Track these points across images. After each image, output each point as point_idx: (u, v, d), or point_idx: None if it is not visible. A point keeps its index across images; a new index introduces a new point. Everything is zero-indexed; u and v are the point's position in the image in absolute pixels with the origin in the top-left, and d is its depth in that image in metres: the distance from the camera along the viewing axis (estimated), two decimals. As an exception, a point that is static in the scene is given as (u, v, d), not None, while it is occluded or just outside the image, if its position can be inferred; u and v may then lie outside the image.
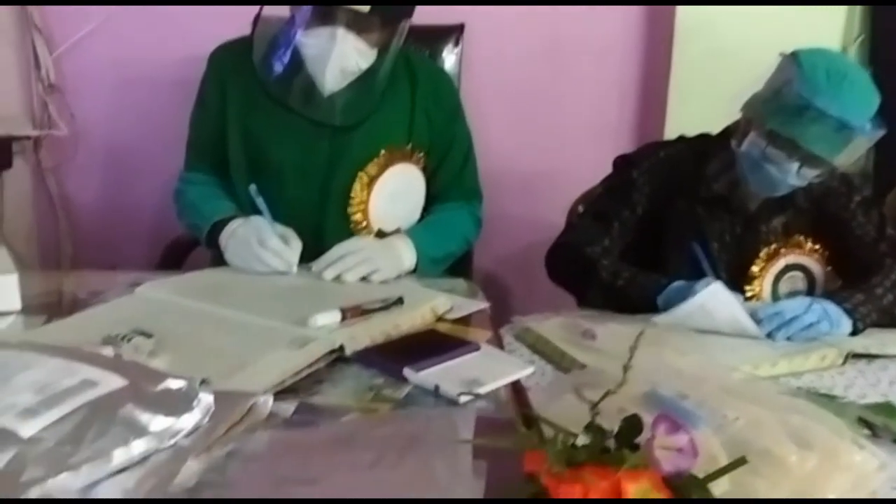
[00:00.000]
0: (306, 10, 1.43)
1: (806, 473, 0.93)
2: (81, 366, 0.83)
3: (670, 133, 2.16)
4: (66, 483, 0.68)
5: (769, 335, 1.38)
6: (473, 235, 1.72)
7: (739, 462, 0.78)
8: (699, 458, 0.81)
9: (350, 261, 1.40)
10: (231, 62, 1.59)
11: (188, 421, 0.79)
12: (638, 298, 1.49)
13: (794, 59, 1.43)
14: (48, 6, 2.15)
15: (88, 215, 2.29)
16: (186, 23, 2.14)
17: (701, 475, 0.79)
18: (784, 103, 1.40)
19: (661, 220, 1.59)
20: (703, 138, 1.64)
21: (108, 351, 1.00)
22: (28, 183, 2.22)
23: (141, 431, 0.75)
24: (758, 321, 1.39)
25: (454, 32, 2.08)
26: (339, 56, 1.44)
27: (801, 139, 1.39)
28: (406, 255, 1.51)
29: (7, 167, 2.08)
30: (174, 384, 0.84)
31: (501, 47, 2.24)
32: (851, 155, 1.43)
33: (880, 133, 1.41)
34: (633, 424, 0.84)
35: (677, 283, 1.46)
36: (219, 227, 1.49)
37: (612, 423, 0.95)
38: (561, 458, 0.71)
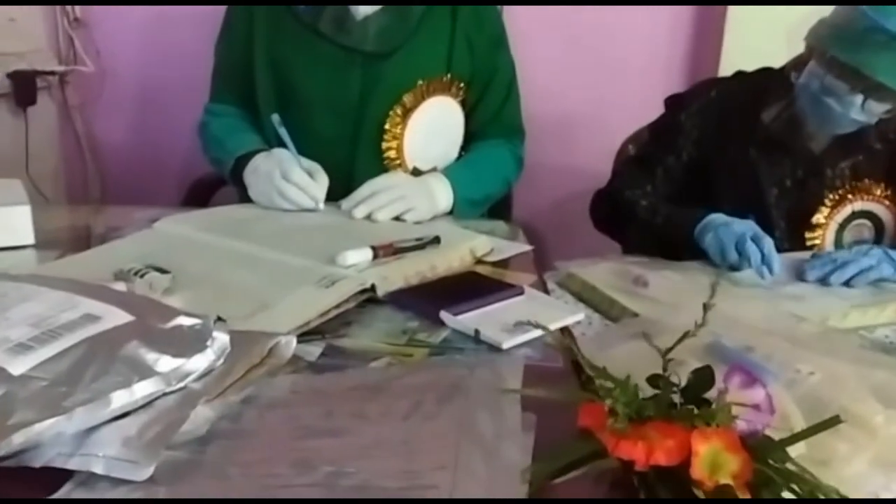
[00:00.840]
0: None
1: (893, 435, 0.82)
2: (84, 299, 0.75)
3: (725, 69, 2.01)
4: (57, 427, 0.60)
5: (822, 280, 1.26)
6: (514, 176, 1.62)
7: (832, 421, 0.67)
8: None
9: (382, 198, 1.30)
10: None
11: (200, 362, 0.71)
12: (677, 235, 1.37)
13: None
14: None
15: (115, 154, 2.23)
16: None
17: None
18: (849, 26, 1.25)
19: (711, 167, 1.47)
20: (765, 73, 1.49)
21: (120, 286, 0.92)
22: (54, 120, 2.15)
23: (146, 372, 0.67)
24: (811, 268, 1.28)
25: (497, -39, 1.94)
26: None
27: (866, 66, 1.24)
28: (442, 195, 1.41)
29: (31, 103, 2.01)
30: (187, 321, 0.75)
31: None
32: None
33: None
34: (703, 377, 0.74)
35: (713, 217, 1.33)
36: (243, 161, 1.40)
37: (689, 373, 0.85)
38: (626, 412, 0.61)
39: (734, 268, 1.28)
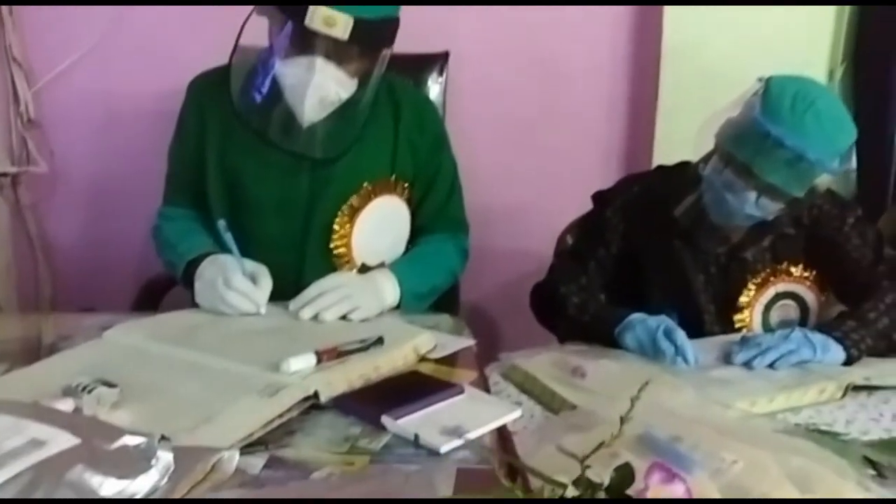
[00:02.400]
0: (284, 38, 1.38)
1: (809, 521, 0.88)
2: (30, 423, 0.77)
3: (659, 156, 2.13)
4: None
5: (747, 364, 1.33)
6: (459, 268, 1.68)
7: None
8: (695, 508, 0.76)
9: (329, 298, 1.34)
10: (210, 92, 1.54)
11: (144, 483, 0.73)
12: (602, 334, 1.44)
13: (765, 84, 1.39)
14: (27, 40, 2.12)
15: (68, 253, 2.24)
16: (167, 56, 2.10)
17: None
18: (745, 128, 1.36)
19: (639, 257, 1.55)
20: (681, 167, 1.59)
21: (68, 403, 0.95)
22: (6, 221, 2.17)
23: (90, 496, 0.69)
24: (737, 352, 1.35)
25: (438, 60, 2.04)
26: (318, 86, 1.40)
27: (756, 166, 1.35)
28: (388, 290, 1.46)
29: (-16, 204, 2.04)
30: (132, 441, 0.78)
31: (486, 75, 2.20)
32: (812, 186, 1.39)
33: (846, 167, 1.38)
34: (624, 475, 0.79)
35: (632, 317, 1.41)
36: (193, 265, 1.44)
37: (604, 468, 0.89)
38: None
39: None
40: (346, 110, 1.47)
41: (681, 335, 1.34)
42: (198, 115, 1.56)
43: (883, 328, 1.42)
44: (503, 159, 2.27)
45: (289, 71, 1.41)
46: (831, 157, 1.37)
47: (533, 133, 2.27)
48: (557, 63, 2.23)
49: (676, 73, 2.13)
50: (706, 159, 1.46)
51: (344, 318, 1.35)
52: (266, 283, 1.37)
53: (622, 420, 0.84)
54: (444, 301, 1.68)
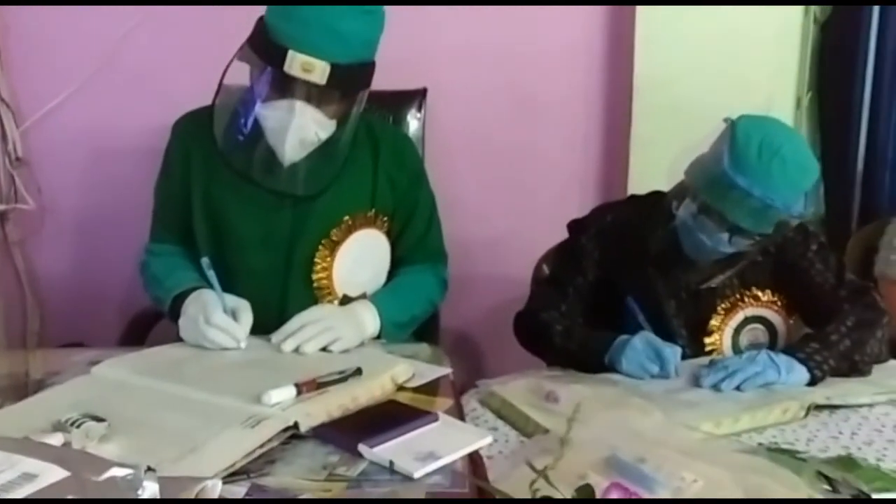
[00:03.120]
0: (264, 83, 1.44)
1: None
2: (22, 458, 0.81)
3: (633, 185, 2.19)
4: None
5: (715, 387, 1.39)
6: (439, 298, 1.72)
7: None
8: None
9: (310, 331, 1.39)
10: (194, 131, 1.59)
11: (130, 512, 0.77)
12: (591, 361, 1.50)
13: (731, 130, 1.45)
14: (15, 80, 2.17)
15: (55, 289, 2.28)
16: (152, 94, 2.16)
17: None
18: (714, 177, 1.43)
19: (616, 283, 1.61)
20: (653, 197, 1.66)
21: (58, 438, 0.99)
22: (-6, 257, 2.21)
23: (80, 527, 0.74)
24: (705, 375, 1.41)
25: (417, 97, 2.11)
26: (298, 128, 1.45)
27: (729, 214, 1.43)
28: (369, 321, 1.51)
29: (-28, 242, 2.07)
30: (119, 472, 0.82)
31: (464, 110, 2.27)
32: (782, 225, 1.46)
33: (811, 211, 1.45)
34: (585, 494, 0.84)
35: (619, 339, 1.48)
36: (179, 300, 1.48)
37: (572, 487, 0.95)
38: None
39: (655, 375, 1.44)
40: (325, 149, 1.52)
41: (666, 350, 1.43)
42: (182, 155, 1.61)
43: (844, 350, 1.48)
44: (482, 191, 2.34)
45: (269, 113, 1.46)
46: (798, 200, 1.44)
47: (511, 165, 2.34)
48: (534, 97, 2.31)
49: (648, 106, 2.21)
50: (677, 195, 1.53)
51: (325, 349, 1.39)
52: (246, 319, 1.41)
53: (562, 441, 0.90)
54: (425, 330, 1.73)
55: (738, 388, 1.39)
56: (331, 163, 1.53)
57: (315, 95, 1.43)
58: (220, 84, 1.50)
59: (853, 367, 1.49)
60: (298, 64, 1.37)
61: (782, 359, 1.43)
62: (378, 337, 1.53)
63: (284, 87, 1.42)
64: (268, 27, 1.42)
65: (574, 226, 1.71)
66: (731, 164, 1.40)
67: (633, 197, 1.73)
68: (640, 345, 1.46)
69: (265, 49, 1.41)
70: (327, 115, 1.48)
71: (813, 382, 1.43)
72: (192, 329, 1.40)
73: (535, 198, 2.35)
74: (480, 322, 2.38)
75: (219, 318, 1.38)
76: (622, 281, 1.60)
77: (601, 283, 1.63)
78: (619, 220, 1.64)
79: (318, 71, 1.38)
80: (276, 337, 1.40)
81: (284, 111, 1.44)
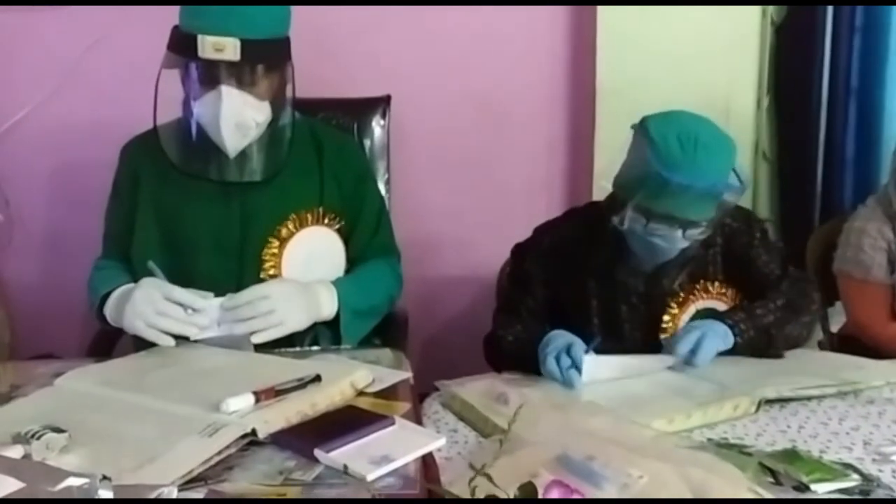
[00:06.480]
0: (191, 81, 1.50)
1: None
2: (-23, 471, 0.83)
3: (598, 189, 2.22)
4: None
5: (688, 362, 1.47)
6: (396, 291, 1.76)
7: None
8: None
9: (247, 311, 1.44)
10: (142, 151, 1.65)
11: (85, 521, 0.80)
12: (530, 354, 1.52)
13: (644, 133, 1.48)
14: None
15: (24, 299, 2.28)
16: (119, 107, 2.16)
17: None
18: (648, 181, 1.44)
19: (565, 301, 1.65)
20: (591, 209, 1.70)
21: (17, 450, 1.00)
22: (-38, 269, 2.21)
23: (34, 536, 0.76)
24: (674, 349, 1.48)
25: (381, 104, 2.12)
26: (230, 112, 1.48)
27: (677, 211, 1.46)
28: (326, 301, 1.55)
29: (-60, 255, 2.07)
30: (75, 482, 0.84)
31: (428, 116, 2.30)
32: (727, 204, 1.51)
33: (744, 187, 1.49)
34: (528, 492, 0.87)
35: (552, 333, 1.52)
36: (108, 297, 1.53)
37: (516, 489, 0.98)
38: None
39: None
40: (267, 135, 1.57)
41: (580, 352, 1.45)
42: (131, 176, 1.66)
43: (766, 324, 1.55)
44: (449, 196, 2.36)
45: (202, 109, 1.51)
46: (730, 176, 1.48)
47: (476, 170, 2.37)
48: (498, 102, 2.34)
49: (611, 110, 2.24)
50: (613, 208, 1.53)
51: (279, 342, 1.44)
52: (207, 294, 1.46)
53: (501, 441, 0.93)
54: (393, 334, 1.75)
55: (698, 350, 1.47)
56: (274, 148, 1.58)
57: (235, 75, 1.48)
58: (155, 102, 1.53)
59: (770, 343, 1.56)
60: (210, 45, 1.44)
61: (716, 325, 1.51)
62: (336, 324, 1.57)
63: (205, 75, 1.48)
64: (179, 26, 1.49)
65: (517, 250, 1.74)
66: (659, 164, 1.42)
67: (572, 211, 1.78)
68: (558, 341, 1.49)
69: (178, 44, 1.48)
70: (257, 97, 1.52)
71: (734, 348, 1.51)
72: (147, 307, 1.42)
73: (501, 201, 2.38)
74: (449, 322, 2.41)
75: (180, 292, 1.43)
76: (570, 298, 1.64)
77: (552, 302, 1.66)
78: (557, 240, 1.67)
79: (229, 48, 1.44)
80: (227, 302, 1.45)
81: (214, 100, 1.49)
